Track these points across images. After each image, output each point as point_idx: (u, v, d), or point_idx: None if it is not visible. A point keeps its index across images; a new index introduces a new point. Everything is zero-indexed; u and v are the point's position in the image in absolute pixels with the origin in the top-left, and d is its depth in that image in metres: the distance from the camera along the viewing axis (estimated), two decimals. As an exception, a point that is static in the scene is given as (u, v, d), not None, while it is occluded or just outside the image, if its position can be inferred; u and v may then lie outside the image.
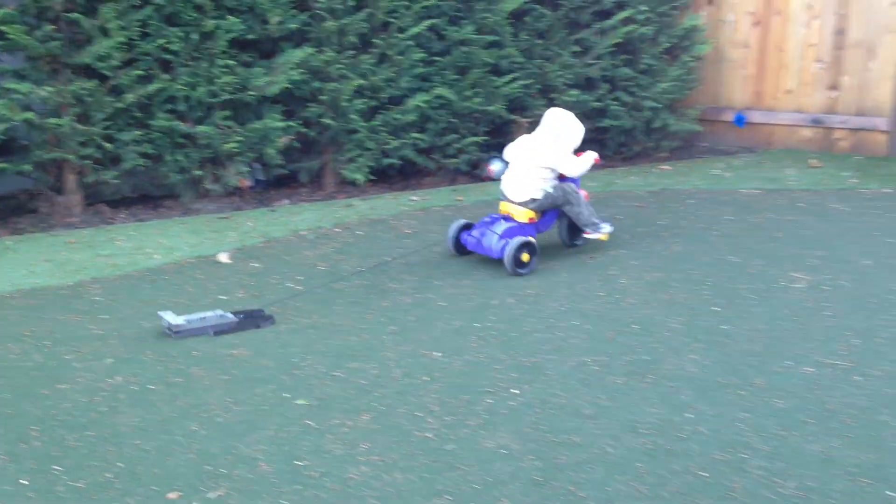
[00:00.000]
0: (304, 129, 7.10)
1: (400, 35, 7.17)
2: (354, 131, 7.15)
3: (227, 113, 6.70)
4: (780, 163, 8.18)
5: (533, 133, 5.59)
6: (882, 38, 8.21)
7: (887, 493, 2.96)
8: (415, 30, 7.17)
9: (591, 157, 5.52)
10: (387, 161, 7.36)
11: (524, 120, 7.87)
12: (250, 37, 6.74)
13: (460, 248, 5.58)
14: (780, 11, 8.62)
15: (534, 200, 5.39)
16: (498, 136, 7.98)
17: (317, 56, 6.91)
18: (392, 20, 7.15)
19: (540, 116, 7.73)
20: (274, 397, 3.67)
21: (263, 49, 6.94)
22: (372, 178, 7.34)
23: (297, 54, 6.81)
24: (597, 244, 5.74)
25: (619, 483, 3.03)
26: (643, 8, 8.19)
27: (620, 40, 8.12)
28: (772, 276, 5.12)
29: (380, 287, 5.04)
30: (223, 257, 5.56)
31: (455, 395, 3.69)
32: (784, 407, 3.56)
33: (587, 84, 8.25)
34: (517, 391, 3.71)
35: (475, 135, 7.68)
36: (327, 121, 7.02)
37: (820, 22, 8.47)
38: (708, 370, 3.90)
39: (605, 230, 5.57)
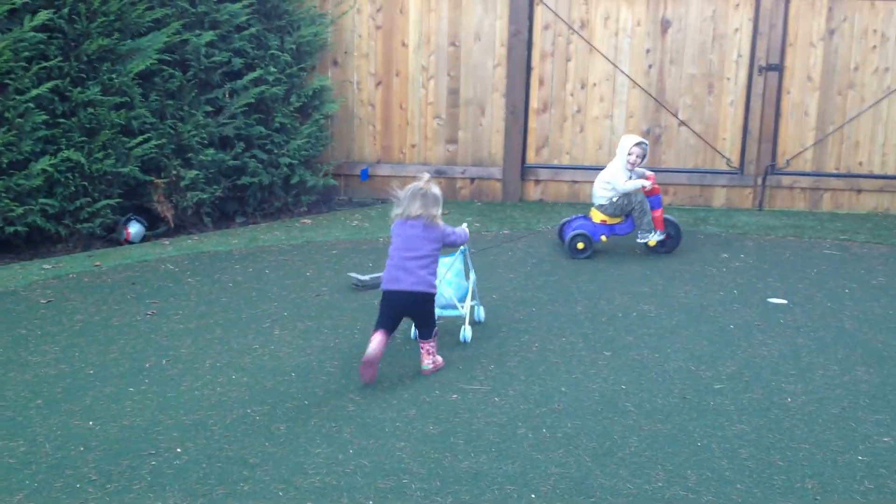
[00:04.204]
0: (-90, 200, 6.45)
1: (19, 97, 6.76)
2: (-28, 199, 6.62)
3: None
4: (410, 212, 8.71)
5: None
6: (490, 96, 9.13)
7: (532, 496, 3.32)
8: (35, 91, 6.81)
9: (640, 182, 6.84)
10: (11, 229, 6.87)
11: (161, 181, 7.73)
12: None
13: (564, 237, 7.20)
14: (399, 72, 9.26)
15: (603, 205, 6.91)
16: (134, 198, 7.76)
17: (-78, 121, 6.34)
18: (9, 81, 6.73)
19: (176, 177, 7.73)
20: None
21: None
22: (-5, 248, 6.82)
23: None
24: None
25: (293, 524, 3.11)
26: (272, 69, 8.42)
27: (252, 100, 8.28)
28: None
29: (18, 361, 4.69)
30: None
31: (115, 461, 3.56)
32: (436, 432, 3.85)
33: (223, 143, 8.30)
34: (181, 449, 3.66)
35: (109, 197, 7.40)
36: (-61, 189, 6.44)
37: (435, 82, 9.22)
38: (366, 407, 4.11)
39: (653, 238, 6.98)
